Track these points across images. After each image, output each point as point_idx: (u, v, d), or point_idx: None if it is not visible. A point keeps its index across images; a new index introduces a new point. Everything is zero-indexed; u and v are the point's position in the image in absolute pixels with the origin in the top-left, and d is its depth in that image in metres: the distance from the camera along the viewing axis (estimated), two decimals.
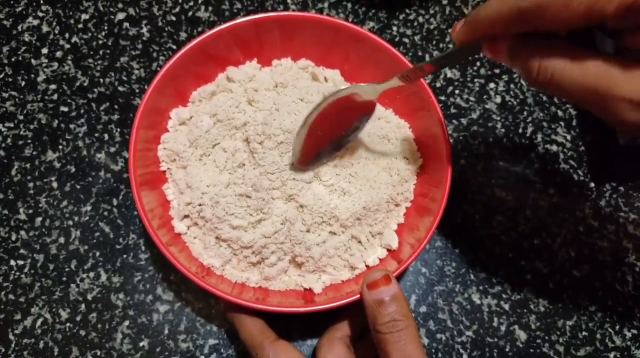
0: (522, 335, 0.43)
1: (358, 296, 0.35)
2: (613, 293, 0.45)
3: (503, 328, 0.44)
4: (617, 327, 0.44)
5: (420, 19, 0.53)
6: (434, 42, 0.52)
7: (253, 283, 0.39)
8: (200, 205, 0.39)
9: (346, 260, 0.39)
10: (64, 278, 0.43)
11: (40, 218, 0.45)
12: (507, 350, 0.43)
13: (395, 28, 0.52)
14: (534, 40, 0.26)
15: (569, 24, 0.24)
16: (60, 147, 0.47)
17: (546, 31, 0.25)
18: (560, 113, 0.50)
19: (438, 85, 0.51)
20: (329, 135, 0.38)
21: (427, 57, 0.51)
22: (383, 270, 0.34)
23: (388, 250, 0.40)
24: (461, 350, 0.43)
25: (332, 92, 0.37)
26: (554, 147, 0.49)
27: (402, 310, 0.32)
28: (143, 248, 0.44)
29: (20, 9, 0.51)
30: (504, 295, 0.44)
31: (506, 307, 0.44)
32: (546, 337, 0.43)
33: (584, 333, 0.44)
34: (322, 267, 0.39)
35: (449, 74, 0.51)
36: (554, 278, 0.45)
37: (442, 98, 0.50)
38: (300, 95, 0.41)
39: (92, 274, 0.43)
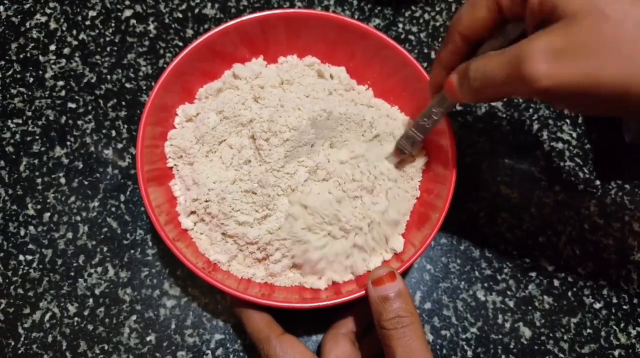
0: (526, 332, 0.43)
1: (363, 292, 0.35)
2: (618, 291, 0.45)
3: (508, 325, 0.44)
4: (622, 325, 0.44)
5: (426, 16, 0.53)
6: (440, 39, 0.52)
7: (259, 279, 0.39)
8: (206, 201, 0.39)
9: (348, 267, 0.39)
10: (72, 273, 0.44)
11: (48, 214, 0.45)
12: (511, 347, 0.43)
13: (401, 25, 0.52)
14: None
15: (481, 27, 0.30)
16: (68, 143, 0.47)
17: (471, 39, 0.32)
18: (566, 110, 0.50)
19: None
20: None
21: (433, 54, 0.51)
22: (388, 267, 0.34)
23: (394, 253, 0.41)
24: (466, 347, 0.43)
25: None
26: (560, 145, 0.49)
27: (407, 306, 0.32)
28: (150, 243, 0.45)
29: (28, 5, 0.52)
30: (508, 292, 0.44)
31: (511, 304, 0.44)
32: (551, 334, 0.43)
33: (588, 330, 0.44)
34: (321, 271, 0.39)
35: None
36: (559, 275, 0.45)
37: None
38: (306, 92, 0.42)
39: (99, 269, 0.44)
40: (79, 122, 0.48)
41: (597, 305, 0.44)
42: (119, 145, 0.48)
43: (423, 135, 0.39)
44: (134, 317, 0.43)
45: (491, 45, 0.31)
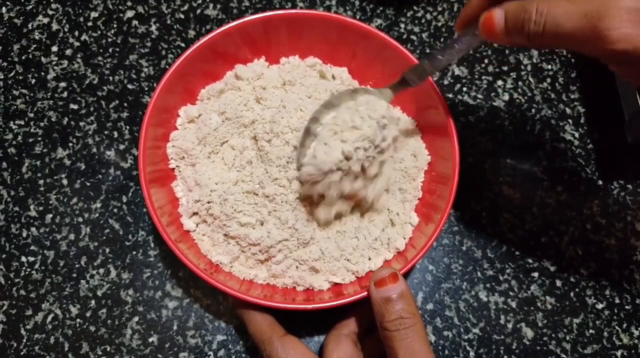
0: (529, 333, 0.43)
1: (365, 293, 0.35)
2: (620, 291, 0.45)
3: (510, 325, 0.44)
4: (625, 325, 0.44)
5: (428, 16, 0.53)
6: (442, 40, 0.52)
7: (261, 280, 0.39)
8: (208, 202, 0.39)
9: (350, 269, 0.39)
10: (74, 275, 0.44)
11: (50, 215, 0.45)
12: (513, 347, 0.43)
13: (402, 25, 0.52)
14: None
15: None
16: (70, 144, 0.48)
17: None
18: (568, 110, 0.50)
19: (446, 82, 0.51)
20: None
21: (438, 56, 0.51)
22: (390, 268, 0.34)
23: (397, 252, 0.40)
24: (468, 348, 0.43)
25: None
26: (562, 145, 0.49)
27: (409, 307, 0.32)
28: (152, 245, 0.45)
29: (30, 7, 0.52)
30: (511, 293, 0.44)
31: (513, 304, 0.44)
32: (553, 335, 0.43)
33: (591, 331, 0.44)
34: (324, 271, 0.39)
35: (457, 72, 0.51)
36: (561, 276, 0.45)
37: (450, 95, 0.50)
38: (308, 93, 0.42)
39: (101, 270, 0.44)
40: (81, 124, 0.48)
41: (600, 306, 0.44)
42: (121, 147, 0.48)
43: (434, 70, 0.36)
44: (136, 319, 0.43)
45: None
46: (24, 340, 0.42)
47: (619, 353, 0.43)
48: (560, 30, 0.26)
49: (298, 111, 0.39)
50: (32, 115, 0.48)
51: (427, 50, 0.51)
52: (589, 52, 0.26)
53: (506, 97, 0.50)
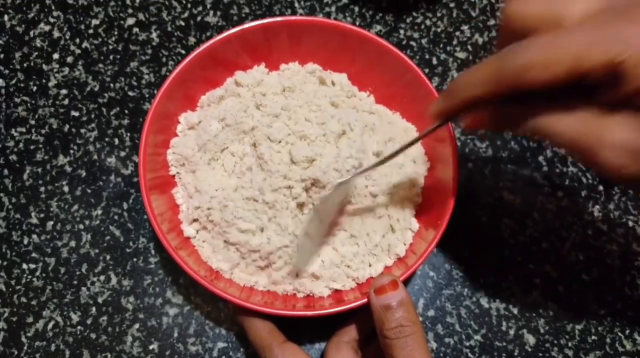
0: (530, 339, 0.43)
1: (365, 300, 0.35)
2: (622, 297, 0.45)
3: (512, 332, 0.43)
4: (627, 331, 0.44)
5: (428, 22, 0.53)
6: (441, 45, 0.52)
7: (261, 287, 0.39)
8: (208, 209, 0.39)
9: (350, 275, 0.39)
10: (75, 282, 0.44)
11: (51, 222, 0.45)
12: (515, 354, 0.43)
13: (402, 31, 0.52)
14: (516, 104, 0.27)
15: (550, 84, 0.24)
16: (71, 151, 0.48)
17: (527, 93, 0.26)
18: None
19: (445, 88, 0.51)
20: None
21: (435, 60, 0.51)
22: (391, 276, 0.34)
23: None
24: (470, 354, 0.43)
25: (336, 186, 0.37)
26: (562, 150, 0.49)
27: (409, 315, 0.32)
28: (153, 251, 0.45)
29: (32, 15, 0.52)
30: (512, 299, 0.44)
31: (515, 310, 0.44)
32: (555, 341, 0.43)
33: (593, 337, 0.43)
34: (325, 278, 0.39)
35: (456, 75, 0.51)
36: (563, 282, 0.45)
37: None
38: (308, 99, 0.42)
39: (102, 278, 0.44)
40: (82, 131, 0.48)
41: (602, 312, 0.44)
42: (122, 153, 0.48)
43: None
44: (136, 326, 0.43)
45: None
46: (25, 348, 0.42)
47: None
48: (560, 143, 0.26)
49: (298, 117, 0.40)
50: (33, 122, 0.49)
51: (427, 56, 0.52)
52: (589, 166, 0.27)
53: None
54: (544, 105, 0.26)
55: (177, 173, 0.42)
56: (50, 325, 0.43)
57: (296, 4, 0.53)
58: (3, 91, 0.49)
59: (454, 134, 0.39)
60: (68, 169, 0.47)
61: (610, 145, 0.24)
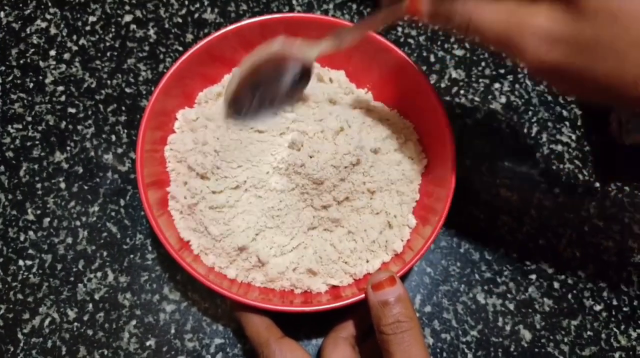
0: (527, 335, 0.43)
1: (363, 296, 0.35)
2: (618, 293, 0.45)
3: (508, 328, 0.44)
4: (623, 327, 0.44)
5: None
6: (439, 43, 0.52)
7: (258, 283, 0.39)
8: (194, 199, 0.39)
9: (348, 271, 0.39)
10: (72, 278, 0.44)
11: (48, 219, 0.45)
12: (512, 349, 0.43)
13: (400, 28, 0.53)
14: None
15: None
16: (68, 148, 0.48)
17: None
18: (565, 113, 0.50)
19: (443, 85, 0.51)
20: (265, 93, 0.36)
21: (432, 58, 0.51)
22: (388, 272, 0.34)
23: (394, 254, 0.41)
24: (466, 350, 0.43)
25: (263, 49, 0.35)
26: (559, 147, 0.49)
27: (406, 311, 0.32)
28: (150, 248, 0.45)
29: (28, 11, 0.52)
30: (508, 295, 0.44)
31: (511, 306, 0.44)
32: (551, 337, 0.43)
33: (589, 333, 0.44)
34: (322, 274, 0.39)
35: (454, 74, 0.51)
36: (559, 278, 0.45)
37: (447, 98, 0.50)
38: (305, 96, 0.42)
39: (99, 274, 0.44)
40: (79, 127, 0.48)
41: (598, 308, 0.44)
42: (119, 150, 0.48)
43: (349, 38, 0.35)
44: (133, 322, 0.43)
45: None
46: (21, 344, 0.42)
47: (617, 355, 0.43)
48: (483, 33, 0.27)
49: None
50: (30, 119, 0.48)
51: (424, 53, 0.52)
52: (511, 57, 0.28)
53: (503, 99, 0.50)
54: None
55: (174, 169, 0.42)
56: (46, 322, 0.43)
57: (294, 1, 0.53)
58: (0, 88, 0.49)
59: (451, 130, 0.39)
60: (65, 165, 0.47)
61: (532, 32, 0.25)
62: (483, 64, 0.52)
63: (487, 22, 0.27)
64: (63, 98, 0.49)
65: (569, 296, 0.45)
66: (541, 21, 0.25)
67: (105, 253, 0.44)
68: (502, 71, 0.51)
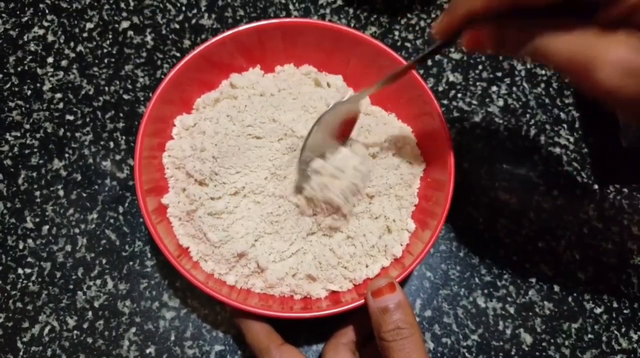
0: (527, 339, 0.43)
1: (362, 301, 0.35)
2: (618, 295, 0.45)
3: (508, 331, 0.44)
4: (623, 330, 0.44)
5: (422, 24, 0.53)
6: None
7: (258, 289, 0.39)
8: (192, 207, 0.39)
9: (347, 276, 0.39)
10: (71, 286, 0.44)
11: (47, 227, 0.45)
12: (512, 353, 0.43)
13: (397, 33, 0.53)
14: (516, 21, 0.27)
15: None
16: (67, 155, 0.48)
17: (526, 7, 0.26)
18: (563, 115, 0.50)
19: (440, 89, 0.51)
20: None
21: (429, 61, 0.52)
22: (388, 278, 0.34)
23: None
24: (467, 354, 0.43)
25: (339, 105, 0.38)
26: (557, 150, 0.49)
27: (406, 317, 0.32)
28: (149, 255, 0.45)
29: (25, 19, 0.52)
30: (509, 299, 0.44)
31: (511, 310, 0.44)
32: (552, 340, 0.43)
33: (589, 336, 0.44)
34: (321, 279, 0.39)
35: (451, 78, 0.51)
36: (559, 280, 0.45)
37: (445, 102, 0.50)
38: (303, 101, 0.42)
39: (98, 282, 0.44)
40: (77, 134, 0.48)
41: (598, 310, 0.44)
42: (117, 157, 0.48)
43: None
44: (133, 330, 0.43)
45: None
46: (21, 353, 0.42)
47: (618, 357, 0.43)
48: (555, 63, 0.26)
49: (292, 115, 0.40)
50: (28, 126, 0.48)
51: None
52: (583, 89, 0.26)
53: (501, 102, 0.50)
54: (543, 25, 0.26)
55: (173, 176, 0.42)
56: (46, 330, 0.43)
57: (291, 6, 0.53)
58: None
59: (449, 133, 0.39)
60: (63, 172, 0.47)
61: (608, 64, 0.24)
62: (480, 67, 0.52)
63: (557, 53, 0.26)
64: (61, 105, 0.49)
65: (569, 299, 0.45)
66: (620, 52, 0.24)
67: (104, 261, 0.44)
68: (499, 74, 0.51)
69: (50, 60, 0.51)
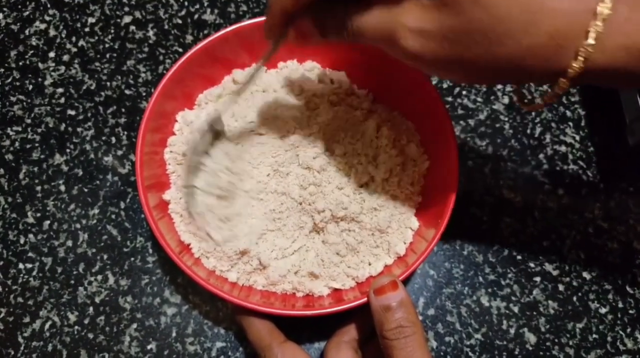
0: (531, 338, 0.43)
1: (365, 299, 0.34)
2: (624, 295, 0.44)
3: (512, 331, 0.43)
4: (629, 330, 0.43)
5: None
6: None
7: (260, 287, 0.39)
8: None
9: (350, 274, 0.39)
10: (72, 282, 0.43)
11: (48, 222, 0.45)
12: (516, 353, 0.43)
13: None
14: (331, 8, 0.29)
15: None
16: (68, 150, 0.47)
17: None
18: (568, 113, 0.50)
19: (445, 86, 0.50)
20: None
21: None
22: (390, 276, 0.34)
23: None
24: (470, 353, 0.43)
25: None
26: (563, 148, 0.48)
27: (409, 316, 0.32)
28: (150, 251, 0.44)
29: (27, 13, 0.52)
30: (513, 298, 0.44)
31: (515, 309, 0.44)
32: (556, 340, 0.43)
33: (594, 336, 0.43)
34: (324, 277, 0.39)
35: None
36: (564, 280, 0.45)
37: (449, 99, 0.50)
38: (306, 98, 0.41)
39: (100, 277, 0.44)
40: (79, 129, 0.48)
41: (603, 310, 0.44)
42: (119, 152, 0.47)
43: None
44: (134, 325, 0.42)
45: None
46: (22, 348, 0.42)
47: None
48: (368, 38, 0.28)
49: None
50: (29, 121, 0.48)
51: None
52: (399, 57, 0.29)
53: (506, 100, 0.50)
54: (354, 6, 0.28)
55: (174, 171, 0.42)
56: (47, 325, 0.42)
57: None
58: None
59: (454, 131, 0.39)
60: (64, 168, 0.47)
61: (406, 33, 0.26)
62: None
63: (368, 29, 0.28)
64: (62, 100, 0.49)
65: (574, 298, 0.44)
66: (410, 20, 0.26)
67: (105, 256, 0.44)
68: None
69: (51, 54, 0.50)
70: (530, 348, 0.43)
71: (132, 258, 0.44)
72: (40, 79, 0.49)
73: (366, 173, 0.39)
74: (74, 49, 0.51)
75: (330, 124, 0.41)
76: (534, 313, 0.44)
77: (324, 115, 0.41)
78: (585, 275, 0.45)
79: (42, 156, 0.47)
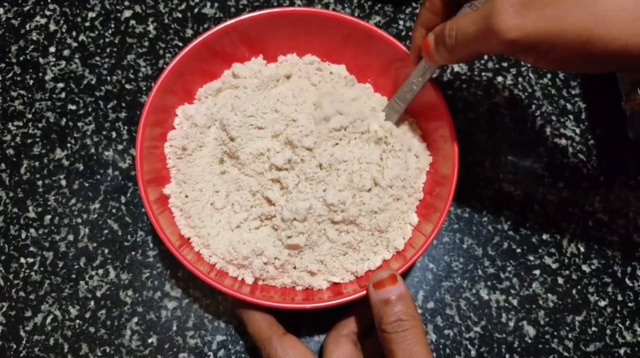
0: (530, 331, 0.43)
1: (364, 292, 0.34)
2: (623, 288, 0.44)
3: (511, 324, 0.43)
4: (628, 323, 0.44)
5: None
6: None
7: (260, 280, 0.39)
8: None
9: (349, 268, 0.39)
10: (73, 276, 0.44)
11: (49, 216, 0.45)
12: (515, 345, 0.43)
13: (401, 22, 0.52)
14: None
15: None
16: (69, 145, 0.47)
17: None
18: (569, 106, 0.49)
19: (445, 79, 0.50)
20: None
21: None
22: (389, 270, 0.34)
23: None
24: (469, 346, 0.43)
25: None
26: (563, 141, 0.48)
27: (408, 310, 0.32)
28: (151, 245, 0.45)
29: (27, 8, 0.52)
30: (512, 291, 0.44)
31: (514, 302, 0.44)
32: (555, 333, 0.43)
33: (593, 328, 0.43)
34: (323, 271, 0.39)
35: (456, 68, 0.51)
36: (563, 273, 0.45)
37: (450, 92, 0.50)
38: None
39: (100, 271, 0.44)
40: (79, 124, 0.48)
41: (602, 303, 0.44)
42: (120, 147, 0.47)
43: (404, 105, 0.40)
44: (135, 319, 0.43)
45: (473, 5, 0.32)
46: (24, 342, 0.42)
47: (622, 351, 0.43)
48: (467, 36, 0.29)
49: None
50: (30, 116, 0.48)
51: None
52: (497, 51, 0.29)
53: (506, 93, 0.50)
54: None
55: (174, 166, 0.42)
56: (48, 319, 0.43)
57: None
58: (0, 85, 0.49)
59: (454, 125, 0.38)
60: (65, 162, 0.47)
61: (506, 6, 0.26)
62: (486, 57, 0.51)
63: (467, 23, 0.29)
64: (63, 95, 0.49)
65: (574, 291, 0.44)
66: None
67: (106, 251, 0.44)
68: (505, 64, 0.51)
69: (52, 49, 0.50)
70: (530, 341, 0.43)
71: (133, 253, 0.44)
72: (40, 74, 0.49)
73: (370, 178, 0.38)
74: (75, 44, 0.51)
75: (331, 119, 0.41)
76: (534, 306, 0.44)
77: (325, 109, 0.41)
78: (585, 268, 0.45)
79: (43, 151, 0.47)
